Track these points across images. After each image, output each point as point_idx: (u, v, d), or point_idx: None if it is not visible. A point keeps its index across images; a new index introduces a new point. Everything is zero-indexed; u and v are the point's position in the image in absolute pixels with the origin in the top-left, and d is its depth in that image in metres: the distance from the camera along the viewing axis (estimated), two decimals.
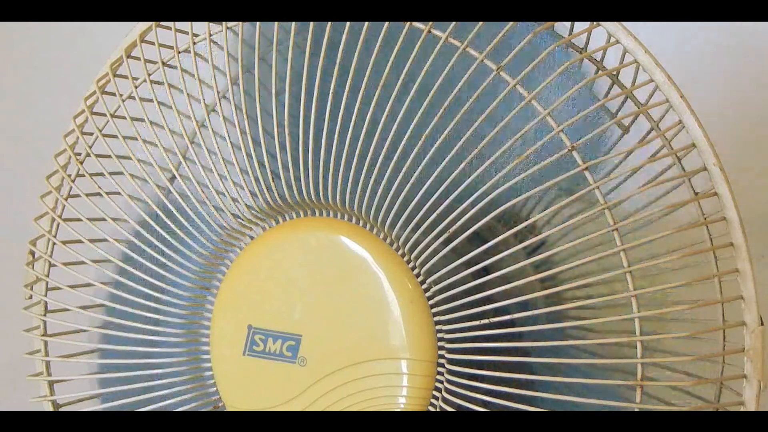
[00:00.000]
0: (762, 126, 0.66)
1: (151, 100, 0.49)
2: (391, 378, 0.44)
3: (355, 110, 0.44)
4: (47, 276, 0.53)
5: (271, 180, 0.47)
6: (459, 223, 0.42)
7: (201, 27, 0.49)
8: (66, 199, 0.52)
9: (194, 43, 0.49)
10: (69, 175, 0.52)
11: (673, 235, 0.42)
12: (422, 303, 0.44)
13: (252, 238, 0.48)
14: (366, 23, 0.44)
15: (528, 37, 0.42)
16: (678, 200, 0.44)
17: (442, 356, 0.44)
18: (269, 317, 0.46)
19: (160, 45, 0.50)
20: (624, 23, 0.43)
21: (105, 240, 0.51)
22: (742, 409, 0.41)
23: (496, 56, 0.42)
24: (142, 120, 0.49)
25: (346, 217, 0.46)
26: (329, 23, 0.45)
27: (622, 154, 0.46)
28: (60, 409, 0.54)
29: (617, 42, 0.43)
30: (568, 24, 0.47)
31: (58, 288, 0.53)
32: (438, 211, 0.43)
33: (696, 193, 0.44)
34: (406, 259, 0.45)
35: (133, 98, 0.50)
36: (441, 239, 0.43)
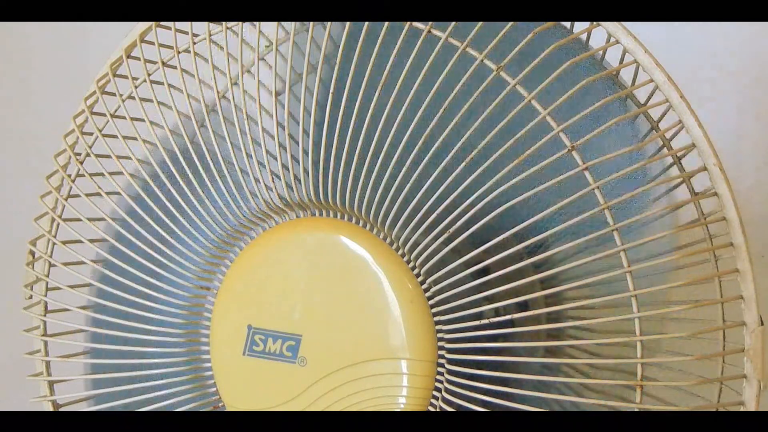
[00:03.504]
0: (763, 125, 0.66)
1: (151, 100, 0.49)
2: (391, 378, 0.44)
3: (355, 110, 0.44)
4: (47, 276, 0.53)
5: (271, 180, 0.47)
6: (459, 223, 0.42)
7: (201, 27, 0.49)
8: (66, 199, 0.52)
9: (194, 43, 0.49)
10: (69, 175, 0.52)
11: (674, 234, 0.42)
12: (422, 303, 0.44)
13: (252, 238, 0.48)
14: (366, 23, 0.44)
15: (528, 36, 0.42)
16: (678, 200, 0.44)
17: (442, 356, 0.44)
18: (269, 317, 0.46)
19: (160, 45, 0.50)
20: (624, 23, 0.43)
21: (105, 240, 0.51)
22: (742, 409, 0.41)
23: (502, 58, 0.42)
24: (142, 120, 0.50)
25: (346, 217, 0.46)
26: (329, 23, 0.45)
27: (622, 154, 0.46)
28: (60, 409, 0.54)
29: (617, 42, 0.43)
30: (567, 24, 0.47)
31: (58, 288, 0.53)
32: (438, 211, 0.43)
33: (696, 193, 0.44)
34: (406, 259, 0.45)
35: (133, 98, 0.50)
36: (441, 239, 0.43)
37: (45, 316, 0.53)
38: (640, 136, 0.46)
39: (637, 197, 0.42)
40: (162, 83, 0.49)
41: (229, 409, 0.48)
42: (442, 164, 0.42)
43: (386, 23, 0.44)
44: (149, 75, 0.50)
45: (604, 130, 0.41)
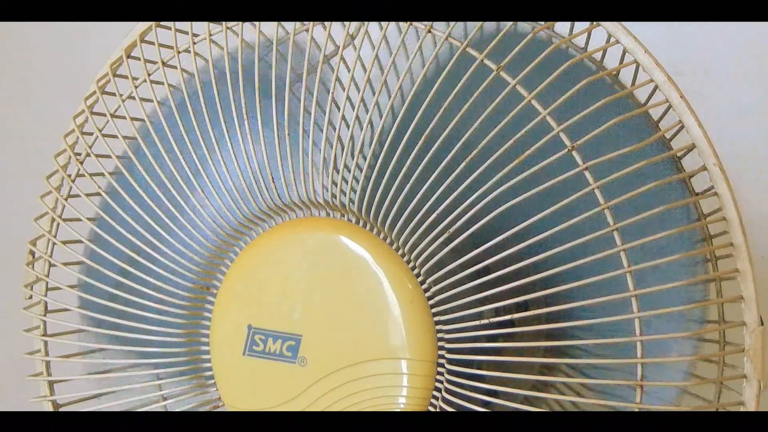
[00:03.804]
0: (762, 126, 0.66)
1: (151, 100, 0.49)
2: (391, 378, 0.44)
3: (355, 110, 0.44)
4: (47, 276, 0.53)
5: (271, 180, 0.47)
6: (459, 223, 0.42)
7: (201, 27, 0.49)
8: (66, 199, 0.52)
9: (194, 43, 0.49)
10: (69, 175, 0.52)
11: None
12: (422, 303, 0.44)
13: (252, 238, 0.48)
14: (366, 23, 0.44)
15: (528, 37, 0.42)
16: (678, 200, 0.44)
17: (442, 356, 0.44)
18: (269, 317, 0.46)
19: (160, 45, 0.50)
20: (624, 23, 0.43)
21: (105, 240, 0.51)
22: (742, 409, 0.41)
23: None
24: (142, 120, 0.50)
25: (346, 217, 0.46)
26: (330, 23, 0.45)
27: (622, 154, 0.46)
28: (60, 409, 0.54)
29: (617, 42, 0.43)
30: (568, 24, 0.47)
31: (58, 288, 0.53)
32: (438, 211, 0.43)
33: (696, 193, 0.44)
34: (406, 259, 0.45)
35: (133, 98, 0.50)
36: (441, 239, 0.43)
37: (45, 316, 0.53)
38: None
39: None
40: (162, 83, 0.49)
41: (229, 409, 0.48)
42: (442, 164, 0.42)
43: (386, 23, 0.44)
44: (149, 75, 0.50)
45: (604, 130, 0.41)
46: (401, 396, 0.44)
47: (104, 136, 0.51)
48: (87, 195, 0.51)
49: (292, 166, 0.46)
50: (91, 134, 0.52)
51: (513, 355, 0.43)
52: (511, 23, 0.43)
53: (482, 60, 0.42)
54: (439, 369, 0.44)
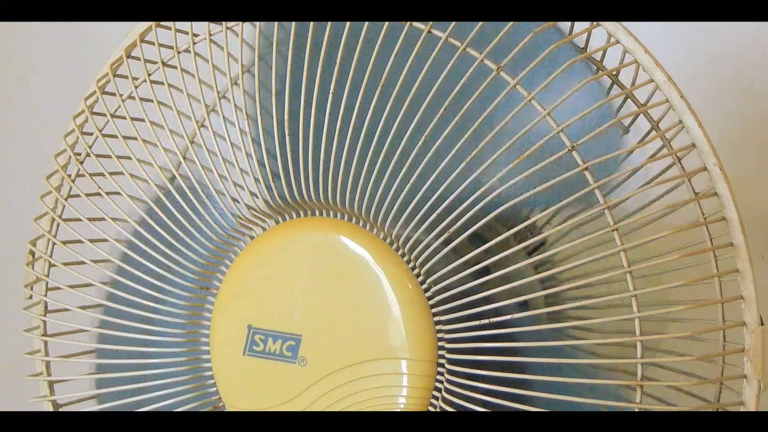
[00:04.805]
0: (762, 126, 0.66)
1: (151, 100, 0.49)
2: (391, 378, 0.44)
3: (355, 110, 0.44)
4: (47, 276, 0.53)
5: (271, 180, 0.47)
6: (459, 223, 0.42)
7: (201, 27, 0.49)
8: (66, 199, 0.52)
9: (194, 43, 0.49)
10: (69, 175, 0.52)
11: (673, 235, 0.42)
12: (422, 303, 0.44)
13: (252, 238, 0.48)
14: (366, 23, 0.44)
15: (528, 36, 0.42)
16: (678, 200, 0.44)
17: (442, 356, 0.44)
18: (269, 317, 0.46)
19: (160, 45, 0.50)
20: (624, 23, 0.43)
21: (105, 240, 0.51)
22: (742, 409, 0.41)
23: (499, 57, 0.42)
24: (142, 120, 0.50)
25: (346, 217, 0.46)
26: (329, 23, 0.45)
27: (622, 154, 0.46)
28: (60, 409, 0.54)
29: (617, 42, 0.43)
30: (568, 24, 0.47)
31: (58, 288, 0.53)
32: (438, 211, 0.43)
33: (696, 193, 0.44)
34: (406, 259, 0.45)
35: (133, 98, 0.50)
36: (441, 239, 0.43)
37: (45, 316, 0.53)
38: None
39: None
40: (162, 83, 0.49)
41: (229, 409, 0.48)
42: (443, 164, 0.42)
43: (386, 23, 0.44)
44: (149, 75, 0.50)
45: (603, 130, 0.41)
46: (401, 396, 0.44)
47: (104, 136, 0.51)
48: (87, 195, 0.51)
49: (292, 166, 0.46)
50: (91, 134, 0.52)
51: (513, 355, 0.43)
52: (510, 23, 0.43)
53: (482, 60, 0.42)
54: (439, 369, 0.44)
